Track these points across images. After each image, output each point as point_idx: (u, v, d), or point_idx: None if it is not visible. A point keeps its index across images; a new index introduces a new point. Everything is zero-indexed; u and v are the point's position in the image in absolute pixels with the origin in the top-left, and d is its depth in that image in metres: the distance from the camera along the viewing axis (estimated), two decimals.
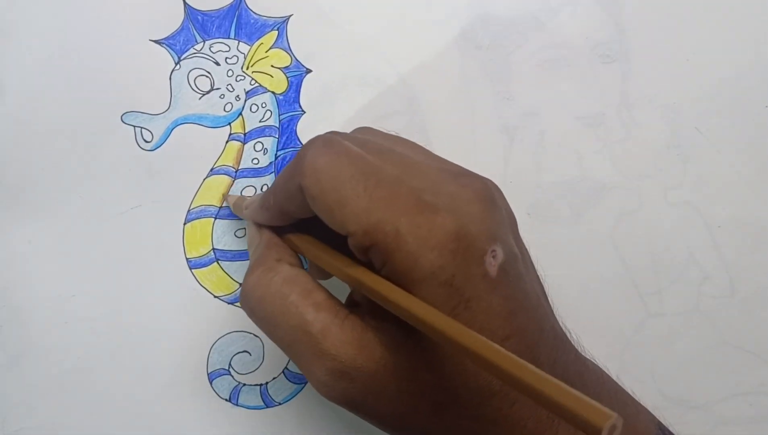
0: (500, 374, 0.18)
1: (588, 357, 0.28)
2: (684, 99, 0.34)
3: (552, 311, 0.27)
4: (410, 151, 0.27)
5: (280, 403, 0.33)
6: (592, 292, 0.34)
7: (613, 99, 0.34)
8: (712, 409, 0.34)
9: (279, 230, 0.28)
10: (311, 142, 0.24)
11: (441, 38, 0.34)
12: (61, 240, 0.32)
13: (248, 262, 0.33)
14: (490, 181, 0.26)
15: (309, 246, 0.26)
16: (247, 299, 0.25)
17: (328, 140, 0.24)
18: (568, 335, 0.27)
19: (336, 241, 0.25)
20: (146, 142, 0.32)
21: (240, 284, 0.33)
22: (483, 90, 0.34)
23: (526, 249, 0.27)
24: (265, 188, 0.33)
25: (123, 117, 0.32)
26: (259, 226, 0.28)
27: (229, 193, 0.33)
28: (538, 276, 0.27)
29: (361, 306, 0.25)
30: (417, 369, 0.23)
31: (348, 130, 0.33)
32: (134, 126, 0.32)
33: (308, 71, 0.33)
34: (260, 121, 0.33)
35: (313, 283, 0.25)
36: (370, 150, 0.25)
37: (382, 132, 0.28)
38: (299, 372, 0.33)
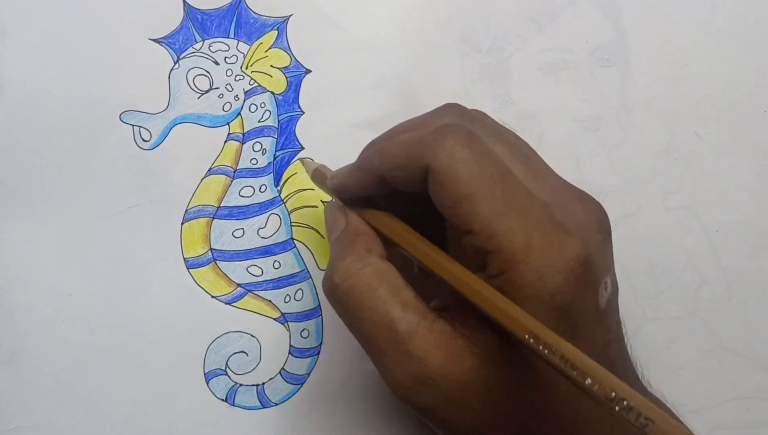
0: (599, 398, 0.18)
1: (651, 391, 0.27)
2: (683, 103, 0.34)
3: (626, 344, 0.26)
4: (530, 152, 0.26)
5: (276, 404, 0.33)
6: None
7: (612, 103, 0.34)
8: (708, 414, 0.34)
9: (360, 209, 0.26)
10: (450, 127, 0.23)
11: (441, 40, 0.34)
12: (59, 238, 0.32)
13: (329, 249, 0.31)
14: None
15: (409, 236, 0.25)
16: (333, 288, 0.24)
17: (469, 133, 0.23)
18: (635, 366, 0.27)
19: (422, 227, 0.24)
20: (144, 141, 0.32)
21: (238, 285, 0.33)
22: (482, 92, 0.34)
23: None
24: (263, 188, 0.33)
25: (121, 116, 0.32)
26: (344, 207, 0.27)
27: (305, 159, 0.32)
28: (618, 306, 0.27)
29: (451, 311, 0.24)
30: (507, 387, 0.22)
31: (346, 131, 0.33)
32: (133, 125, 0.32)
33: (308, 71, 0.33)
34: (259, 121, 0.33)
35: (403, 280, 0.24)
36: (503, 145, 0.24)
37: (497, 122, 0.27)
38: (296, 373, 0.33)
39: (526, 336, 0.20)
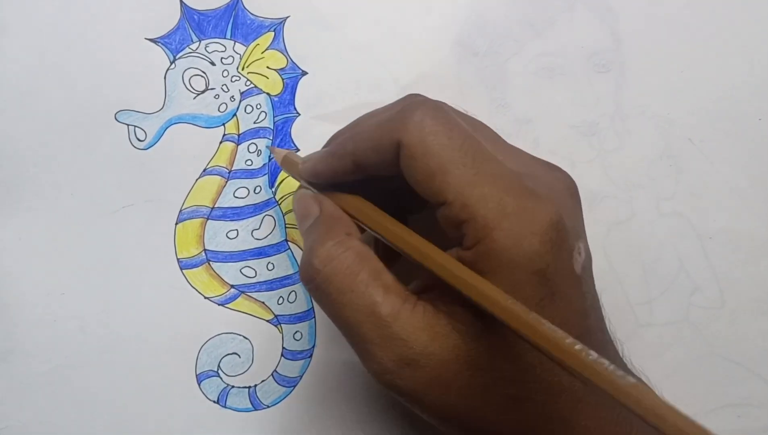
0: (583, 378, 0.18)
1: (633, 371, 0.27)
2: (678, 110, 0.34)
3: (604, 318, 0.27)
4: (494, 134, 0.26)
5: (268, 406, 0.33)
6: None
7: (607, 108, 0.34)
8: (700, 420, 0.34)
9: (331, 194, 0.26)
10: (417, 102, 0.23)
11: (437, 43, 0.34)
12: (52, 237, 0.32)
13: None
14: None
15: (381, 219, 0.25)
16: (314, 273, 0.24)
17: (438, 107, 0.23)
18: (616, 344, 0.27)
19: (393, 213, 0.24)
20: (140, 140, 0.32)
21: (231, 286, 0.33)
22: (478, 96, 0.34)
23: None
24: (258, 190, 0.33)
25: (117, 115, 0.32)
26: (317, 194, 0.27)
27: (273, 147, 0.32)
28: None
29: (431, 291, 0.24)
30: (492, 360, 0.22)
31: None
32: (128, 124, 0.32)
33: (304, 73, 0.33)
34: (254, 123, 0.33)
35: (381, 263, 0.24)
36: (467, 122, 0.24)
37: (463, 112, 0.28)
38: (288, 375, 0.33)
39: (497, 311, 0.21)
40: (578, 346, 0.19)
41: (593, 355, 0.18)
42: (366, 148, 0.24)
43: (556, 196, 0.23)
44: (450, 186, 0.22)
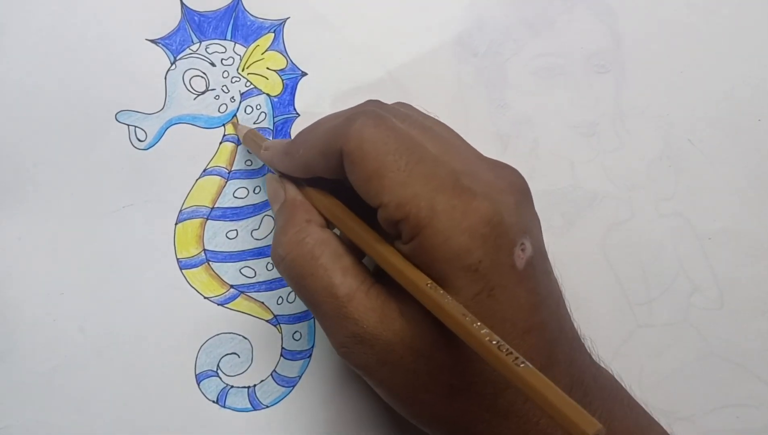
0: (499, 366, 0.19)
1: (603, 366, 0.28)
2: (677, 111, 0.34)
3: (569, 315, 0.27)
4: (448, 134, 0.27)
5: (267, 406, 0.33)
6: (582, 301, 0.34)
7: (606, 109, 0.34)
8: (698, 421, 0.34)
9: (297, 182, 0.28)
10: (360, 112, 0.25)
11: (437, 44, 0.34)
12: (52, 237, 0.32)
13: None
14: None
15: (336, 210, 0.26)
16: (279, 260, 0.26)
17: (378, 115, 0.24)
18: (584, 342, 0.27)
19: (354, 209, 0.25)
20: (140, 141, 0.32)
21: (231, 286, 0.33)
22: (478, 97, 0.34)
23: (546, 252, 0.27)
24: (258, 190, 0.33)
25: (117, 115, 0.32)
26: (281, 179, 0.29)
27: (240, 123, 0.33)
28: (556, 279, 0.27)
29: (388, 275, 0.25)
30: (435, 348, 0.23)
31: None
32: (128, 125, 0.32)
33: (303, 74, 0.33)
34: (254, 123, 0.33)
35: (343, 247, 0.26)
36: (413, 125, 0.25)
37: (421, 111, 0.28)
38: (287, 375, 0.33)
39: (421, 289, 0.22)
40: (484, 331, 0.20)
41: (495, 338, 0.20)
42: (315, 154, 0.26)
43: (495, 193, 0.24)
44: (385, 188, 0.23)
